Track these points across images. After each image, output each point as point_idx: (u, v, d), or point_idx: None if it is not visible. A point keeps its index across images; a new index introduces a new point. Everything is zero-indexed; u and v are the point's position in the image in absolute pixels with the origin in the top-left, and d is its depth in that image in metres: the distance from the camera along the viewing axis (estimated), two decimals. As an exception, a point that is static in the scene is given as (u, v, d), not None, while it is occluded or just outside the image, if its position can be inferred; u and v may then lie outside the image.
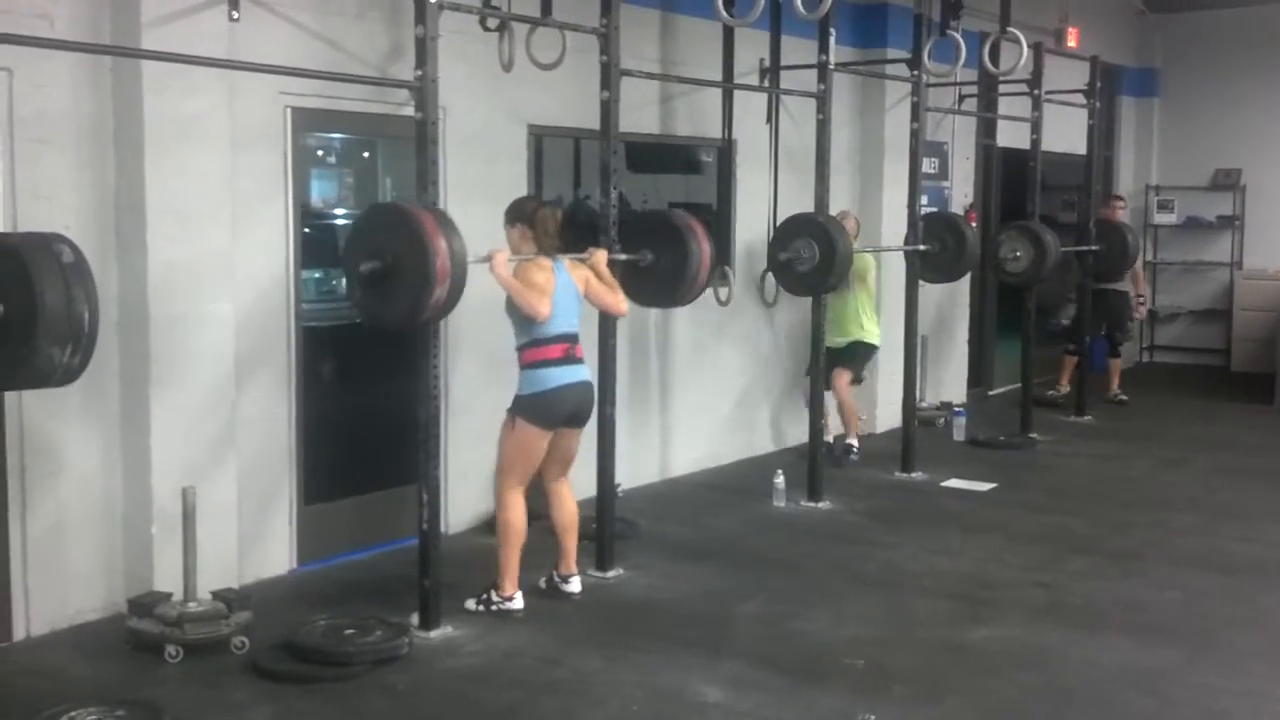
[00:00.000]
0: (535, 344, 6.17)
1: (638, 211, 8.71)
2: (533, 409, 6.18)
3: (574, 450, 6.52)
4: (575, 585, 6.55)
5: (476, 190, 7.26)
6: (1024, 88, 11.05)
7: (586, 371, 6.35)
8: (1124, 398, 12.87)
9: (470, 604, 6.26)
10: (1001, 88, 11.63)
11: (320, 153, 7.64)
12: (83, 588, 6.08)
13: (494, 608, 6.24)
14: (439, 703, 5.31)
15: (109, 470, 6.13)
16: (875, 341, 9.86)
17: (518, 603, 6.26)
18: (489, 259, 6.04)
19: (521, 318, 6.13)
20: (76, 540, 6.05)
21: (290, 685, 5.39)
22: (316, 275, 7.36)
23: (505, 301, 6.19)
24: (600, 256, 6.56)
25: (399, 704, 5.28)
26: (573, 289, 6.29)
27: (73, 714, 4.86)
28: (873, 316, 9.85)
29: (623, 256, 6.92)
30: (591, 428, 6.90)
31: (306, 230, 7.11)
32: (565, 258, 6.35)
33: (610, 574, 6.91)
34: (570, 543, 6.56)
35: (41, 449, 5.89)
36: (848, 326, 9.69)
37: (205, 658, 5.59)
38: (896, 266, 10.09)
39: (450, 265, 5.58)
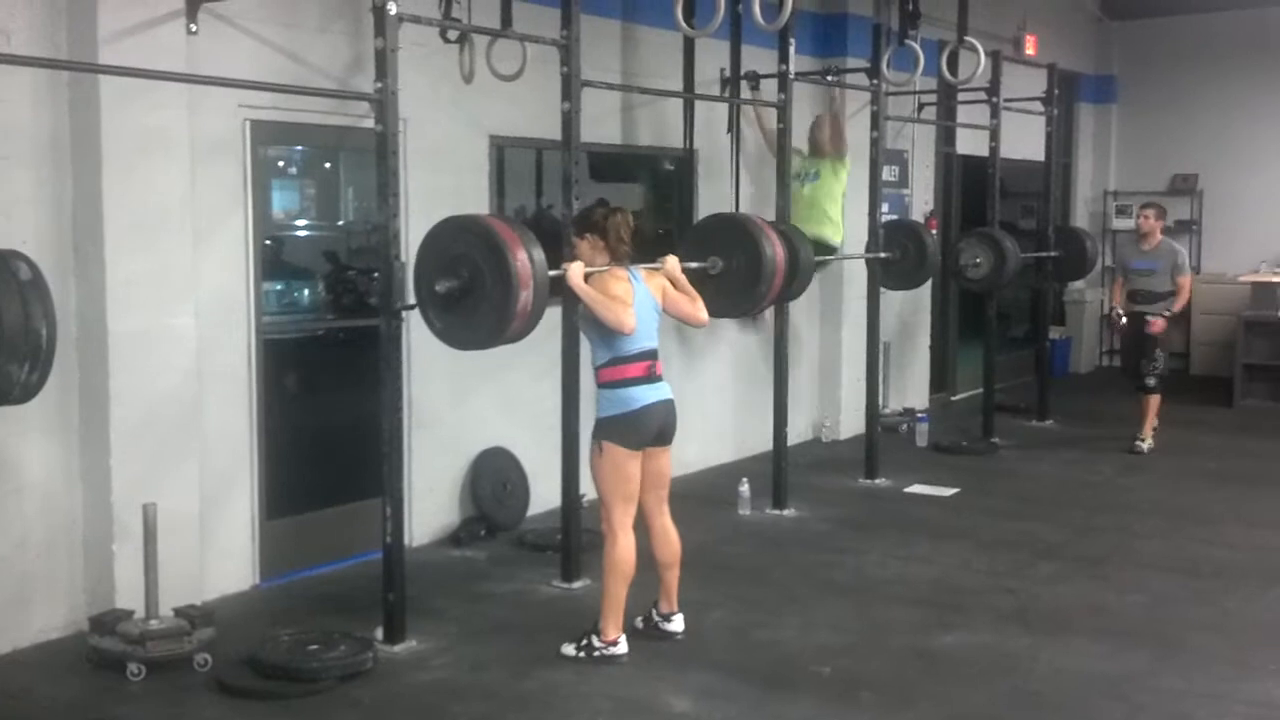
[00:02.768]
0: (616, 362, 5.79)
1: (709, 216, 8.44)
2: (616, 430, 5.78)
3: (666, 470, 6.06)
4: (678, 624, 6.13)
5: (438, 201, 7.22)
6: (983, 95, 11.13)
7: (669, 389, 5.94)
8: (1144, 445, 10.71)
9: (568, 649, 5.87)
10: (960, 95, 11.69)
11: (281, 164, 7.61)
12: (44, 606, 6.01)
13: (596, 654, 5.81)
14: (406, 717, 5.28)
15: (69, 487, 6.07)
16: (837, 241, 9.72)
17: (622, 648, 5.83)
18: (564, 272, 5.86)
19: (604, 333, 5.78)
20: (37, 558, 5.99)
21: (255, 702, 5.35)
22: (278, 287, 7.32)
23: (579, 316, 6.00)
24: (674, 264, 6.17)
25: (365, 719, 5.24)
26: (651, 302, 5.92)
27: (34, 735, 4.81)
28: (839, 212, 9.62)
29: (693, 264, 6.82)
30: (555, 438, 6.90)
31: (267, 242, 7.07)
32: (640, 268, 6.03)
33: (576, 584, 6.87)
34: (672, 580, 6.12)
35: (0, 466, 5.82)
36: (811, 219, 9.37)
37: (168, 675, 5.53)
38: (858, 274, 10.11)
39: (533, 271, 5.55)
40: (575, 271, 5.82)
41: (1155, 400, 10.74)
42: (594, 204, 6.37)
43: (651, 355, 5.88)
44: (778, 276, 7.22)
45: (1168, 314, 10.61)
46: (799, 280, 8.29)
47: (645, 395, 5.81)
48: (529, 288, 5.57)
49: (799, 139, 9.22)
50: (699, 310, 6.16)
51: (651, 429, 5.87)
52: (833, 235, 9.67)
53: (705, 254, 7.27)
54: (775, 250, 7.27)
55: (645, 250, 6.24)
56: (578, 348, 6.81)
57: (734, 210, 9.61)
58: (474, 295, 5.66)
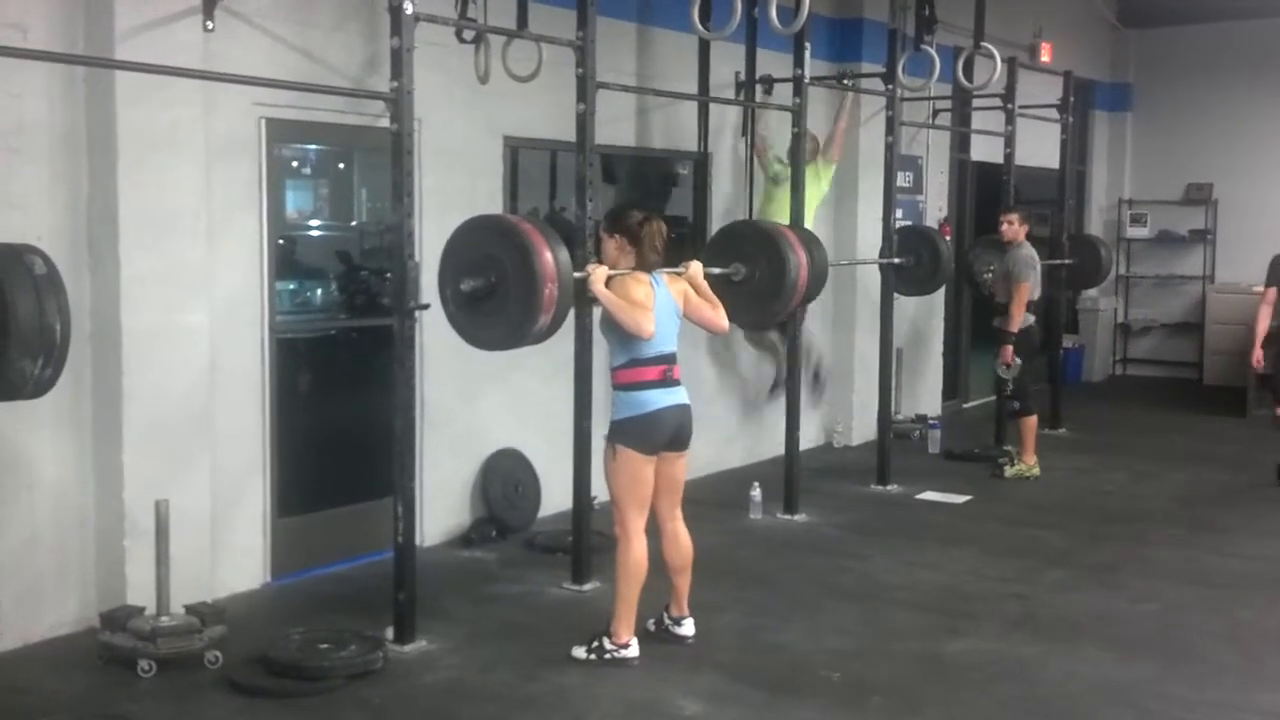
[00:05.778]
0: (633, 364, 5.75)
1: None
2: (631, 433, 5.74)
3: (680, 476, 6.02)
4: (689, 628, 6.12)
5: (452, 202, 7.24)
6: (998, 102, 11.13)
7: (685, 393, 5.89)
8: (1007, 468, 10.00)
9: (579, 652, 5.84)
10: (975, 102, 11.69)
11: (295, 164, 7.61)
12: (55, 602, 6.03)
13: (606, 655, 5.79)
14: (415, 718, 5.28)
15: (81, 483, 6.08)
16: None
17: (633, 650, 5.81)
18: (586, 275, 5.89)
19: (622, 336, 5.74)
20: (49, 554, 6.00)
21: (264, 700, 5.35)
22: (291, 286, 7.33)
23: (599, 319, 5.99)
24: (697, 269, 6.18)
25: (375, 718, 5.24)
26: (672, 306, 5.88)
27: (44, 730, 4.81)
28: (812, 218, 9.22)
29: (715, 270, 6.83)
30: (567, 440, 6.90)
31: (281, 241, 7.07)
32: (662, 272, 5.98)
33: (587, 587, 6.87)
34: (683, 583, 6.09)
35: (12, 462, 5.84)
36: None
37: (178, 672, 5.54)
38: (872, 279, 10.10)
39: (558, 292, 5.59)
40: (598, 277, 5.83)
41: (1027, 424, 9.99)
42: (629, 206, 6.32)
43: (669, 359, 5.84)
44: (800, 287, 7.18)
45: (1004, 331, 9.80)
46: (814, 285, 8.27)
47: (661, 399, 5.78)
48: (554, 290, 5.59)
49: (783, 148, 9.19)
50: (720, 317, 6.14)
51: (666, 433, 5.84)
52: None
53: (728, 260, 7.26)
54: (800, 261, 7.25)
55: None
56: (590, 350, 6.82)
57: (748, 215, 9.63)
58: (499, 295, 5.69)
